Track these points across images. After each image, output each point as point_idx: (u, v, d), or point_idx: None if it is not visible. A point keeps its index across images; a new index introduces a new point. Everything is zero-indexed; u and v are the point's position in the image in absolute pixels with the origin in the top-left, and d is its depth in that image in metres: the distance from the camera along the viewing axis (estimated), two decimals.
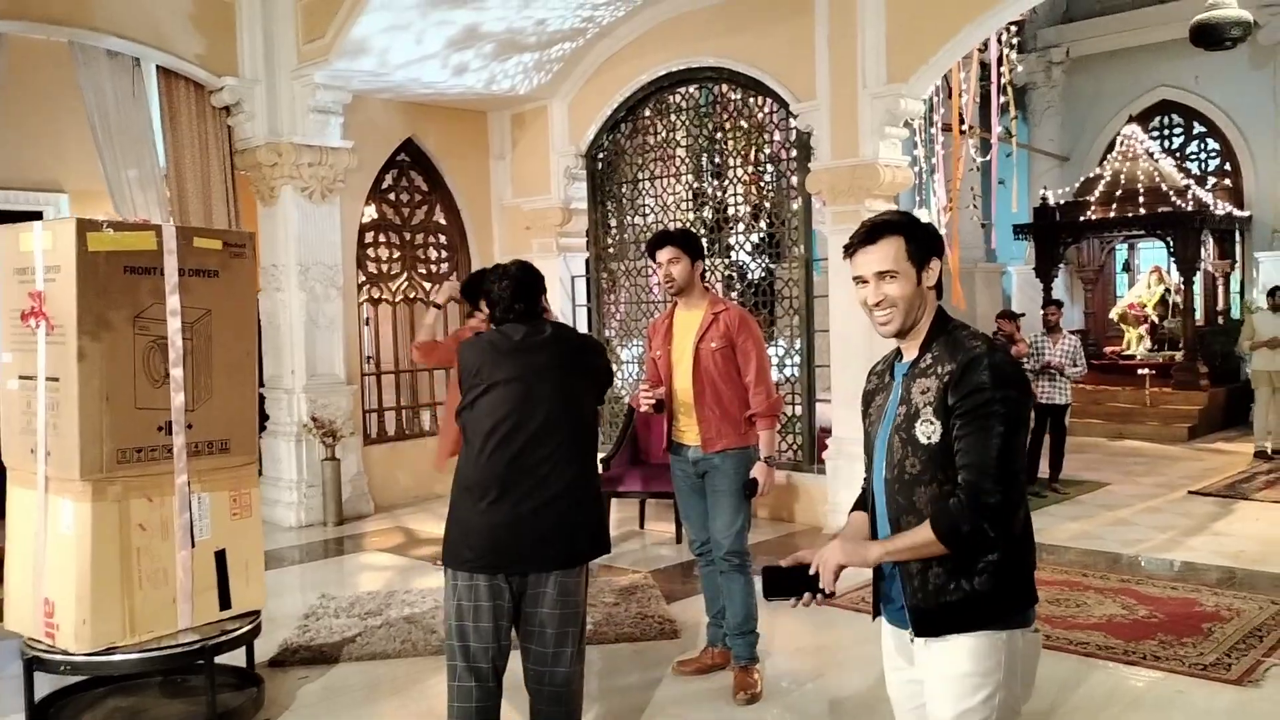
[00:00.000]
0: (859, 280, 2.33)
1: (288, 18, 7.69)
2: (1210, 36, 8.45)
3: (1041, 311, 9.33)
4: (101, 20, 7.00)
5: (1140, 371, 13.05)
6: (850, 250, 2.34)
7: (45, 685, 4.12)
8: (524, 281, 3.33)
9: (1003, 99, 8.37)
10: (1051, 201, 14.14)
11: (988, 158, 8.74)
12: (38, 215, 8.41)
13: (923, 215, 8.78)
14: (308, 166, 7.80)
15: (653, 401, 4.35)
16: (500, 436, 3.09)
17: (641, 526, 7.64)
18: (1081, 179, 14.17)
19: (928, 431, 2.21)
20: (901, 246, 2.28)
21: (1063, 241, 14.34)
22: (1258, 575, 6.20)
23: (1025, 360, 8.78)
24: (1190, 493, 8.87)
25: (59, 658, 3.79)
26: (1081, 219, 13.71)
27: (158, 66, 7.51)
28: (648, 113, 8.72)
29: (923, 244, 2.30)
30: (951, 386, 2.18)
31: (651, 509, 7.68)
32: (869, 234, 2.31)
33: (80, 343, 3.72)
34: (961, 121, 8.72)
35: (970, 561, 2.19)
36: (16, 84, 7.31)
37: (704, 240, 8.37)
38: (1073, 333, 14.54)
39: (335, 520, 7.92)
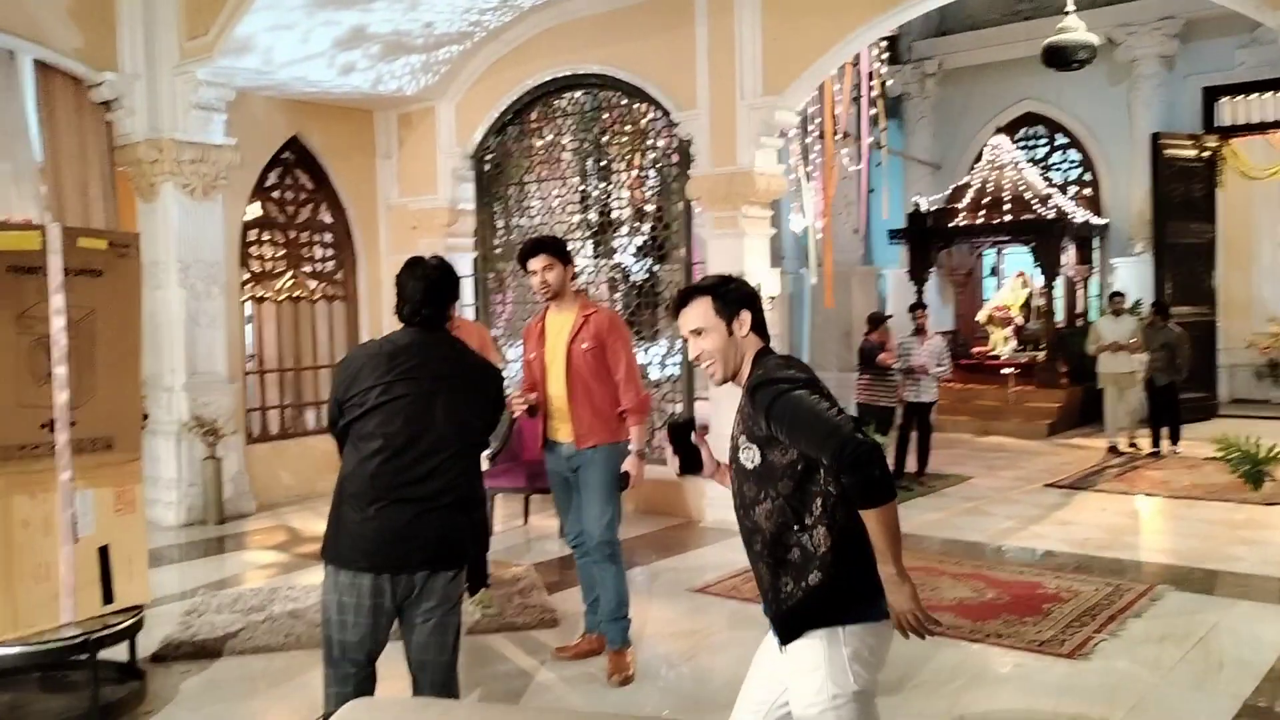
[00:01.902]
0: (685, 338, 2.69)
1: (170, 13, 7.62)
2: (1059, 58, 9.05)
3: (910, 314, 9.82)
4: None
5: (1004, 371, 13.75)
6: (673, 314, 2.69)
7: None
8: (439, 285, 3.38)
9: (873, 110, 8.80)
10: (924, 208, 14.79)
11: (860, 166, 9.17)
12: None
13: (799, 222, 9.17)
14: (189, 164, 7.75)
15: (525, 407, 4.56)
16: (393, 450, 3.18)
17: (525, 521, 7.84)
18: (952, 187, 14.85)
19: (749, 457, 2.52)
20: (709, 305, 2.62)
21: (934, 246, 15.01)
22: (1099, 560, 6.73)
23: (893, 363, 9.25)
24: (1046, 485, 9.46)
25: None
26: (951, 225, 14.38)
27: (34, 60, 7.36)
28: (534, 116, 8.91)
29: (729, 300, 2.62)
30: (751, 416, 2.50)
31: (535, 504, 7.87)
32: (681, 299, 2.68)
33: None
34: (835, 132, 9.14)
35: (805, 566, 2.45)
36: None
37: (589, 242, 8.64)
38: (942, 334, 15.27)
39: (217, 519, 7.89)
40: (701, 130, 7.62)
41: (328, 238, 9.57)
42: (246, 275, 8.84)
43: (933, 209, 14.73)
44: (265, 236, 9.09)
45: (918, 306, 9.92)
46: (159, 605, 5.62)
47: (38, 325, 3.95)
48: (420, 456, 3.21)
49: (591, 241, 8.73)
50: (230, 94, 7.92)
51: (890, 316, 9.91)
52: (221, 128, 7.95)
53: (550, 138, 8.87)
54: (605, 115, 8.57)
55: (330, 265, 9.57)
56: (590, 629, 4.90)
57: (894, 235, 15.09)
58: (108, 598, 4.16)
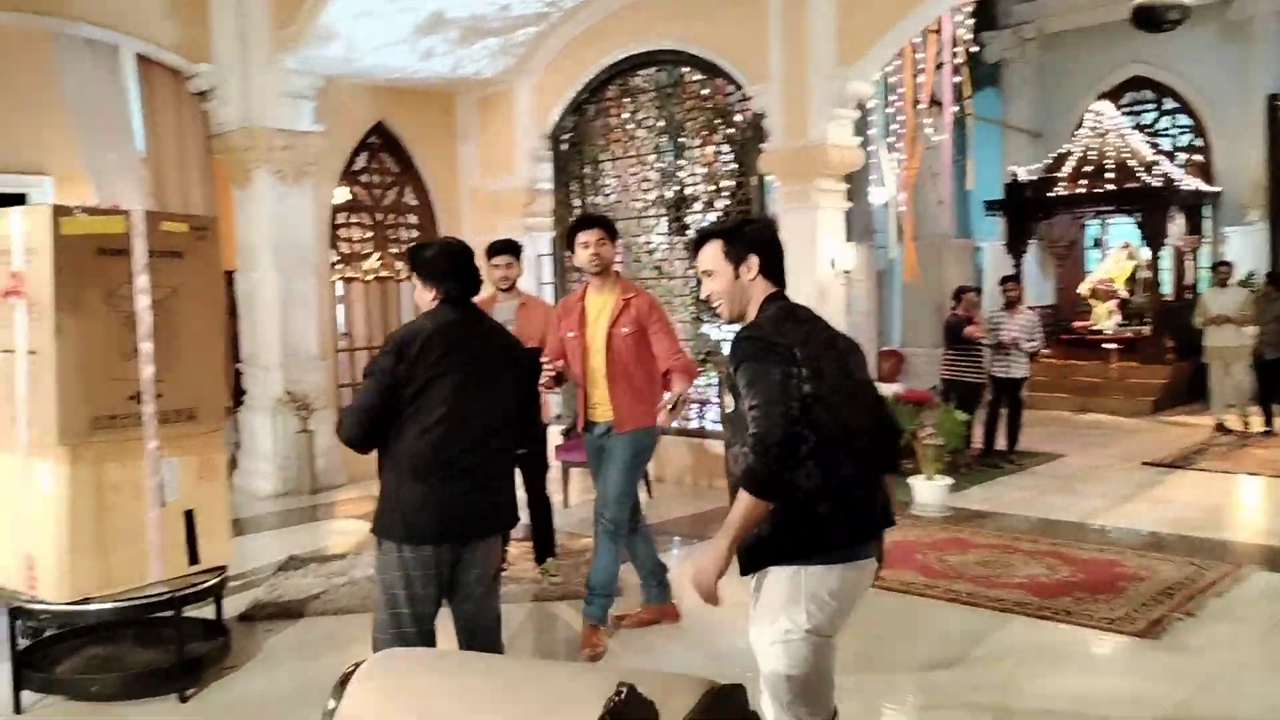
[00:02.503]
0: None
1: (260, 5, 7.94)
2: (1149, 19, 8.71)
3: (1000, 287, 9.62)
4: (79, 9, 7.25)
5: (1107, 346, 13.36)
6: (691, 256, 2.86)
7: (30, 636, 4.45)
8: (472, 264, 3.52)
9: (958, 79, 8.63)
10: (1022, 178, 14.42)
11: (944, 136, 9.01)
12: (22, 198, 8.69)
13: (880, 194, 9.06)
14: (281, 150, 8.08)
15: (553, 374, 4.60)
16: (451, 422, 3.31)
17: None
18: (1052, 155, 14.43)
19: (727, 402, 2.65)
20: (719, 248, 2.75)
21: (1034, 217, 14.63)
22: (1187, 540, 6.51)
23: (982, 337, 9.10)
24: (1144, 464, 9.18)
25: (40, 607, 4.12)
26: (1051, 195, 14.00)
27: (136, 54, 7.75)
28: (610, 95, 9.00)
29: (739, 244, 2.74)
30: (730, 362, 2.62)
31: None
32: (696, 241, 2.83)
33: (57, 319, 4.01)
34: (918, 101, 8.99)
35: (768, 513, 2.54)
36: (1, 72, 7.57)
37: (663, 219, 8.71)
38: (1041, 308, 14.91)
39: (310, 489, 8.25)
40: (774, 103, 7.60)
41: (412, 219, 9.86)
42: (336, 257, 9.19)
43: (1032, 179, 14.36)
44: (353, 219, 9.42)
45: (1008, 279, 9.71)
46: (251, 569, 5.96)
47: (125, 304, 4.21)
48: (473, 429, 3.36)
49: (666, 218, 8.80)
50: (318, 82, 8.22)
51: (978, 290, 9.74)
52: (310, 115, 8.26)
53: (625, 115, 8.96)
54: (679, 91, 8.61)
55: None
56: (648, 600, 5.00)
57: (990, 206, 14.76)
58: (193, 558, 4.42)
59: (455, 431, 3.32)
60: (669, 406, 4.33)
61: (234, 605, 5.16)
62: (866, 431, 2.67)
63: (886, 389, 8.88)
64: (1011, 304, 9.35)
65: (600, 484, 4.75)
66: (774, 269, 2.75)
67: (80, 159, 7.75)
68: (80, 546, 4.07)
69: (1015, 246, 14.59)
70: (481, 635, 3.53)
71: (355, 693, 2.24)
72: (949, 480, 7.60)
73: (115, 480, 4.19)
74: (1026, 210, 14.34)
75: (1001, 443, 9.44)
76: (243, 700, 4.28)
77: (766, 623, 2.62)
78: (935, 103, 9.42)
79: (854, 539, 2.62)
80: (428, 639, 3.43)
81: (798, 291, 7.17)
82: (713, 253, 2.75)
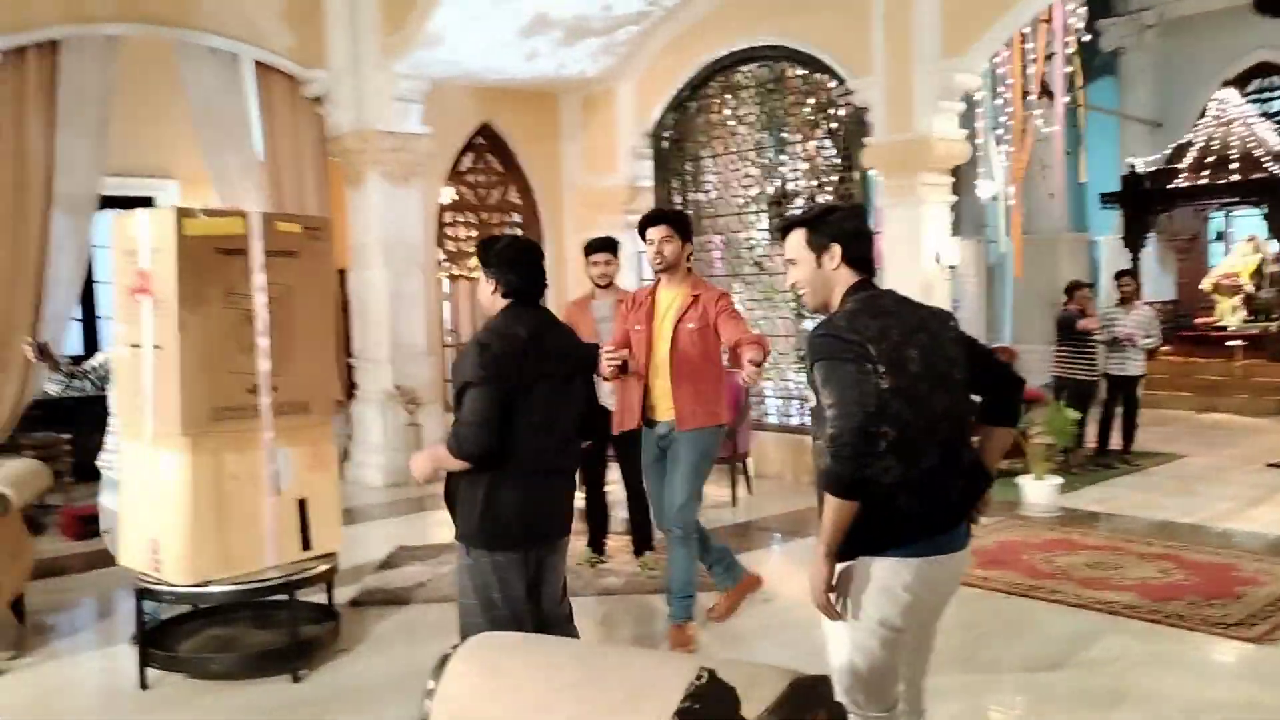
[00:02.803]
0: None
1: (371, 12, 8.21)
2: (1272, 3, 8.30)
3: (1115, 282, 9.33)
4: (202, 20, 7.60)
5: (1231, 343, 12.82)
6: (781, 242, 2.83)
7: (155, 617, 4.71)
8: (541, 263, 3.48)
9: (1069, 68, 8.39)
10: (1140, 169, 13.92)
11: (1055, 128, 8.77)
12: (150, 200, 9.15)
13: (987, 188, 8.88)
14: (390, 152, 8.33)
15: (618, 363, 4.58)
16: (547, 425, 3.34)
17: None
18: (1172, 145, 13.91)
19: (811, 395, 2.65)
20: (802, 237, 2.72)
21: (1152, 210, 14.11)
22: None
23: (1095, 330, 8.84)
24: (1268, 465, 8.80)
25: (165, 589, 4.35)
26: (1171, 186, 13.48)
27: (255, 61, 8.08)
28: (711, 92, 9.02)
29: (821, 233, 2.70)
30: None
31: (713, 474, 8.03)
32: (781, 229, 2.83)
33: (180, 315, 4.22)
34: (1028, 92, 8.78)
35: None
36: (130, 81, 7.96)
37: (764, 215, 8.68)
38: (1161, 303, 14.38)
39: (420, 480, 8.45)
40: (877, 97, 7.52)
41: (516, 218, 10.06)
42: (442, 255, 9.42)
43: (1151, 170, 13.85)
44: (459, 218, 9.65)
45: (1123, 274, 9.41)
46: (361, 557, 6.17)
47: (243, 301, 4.40)
48: (559, 432, 3.39)
49: (767, 214, 8.77)
50: (426, 85, 8.44)
51: (1091, 285, 9.46)
52: (419, 117, 8.49)
53: (726, 112, 8.96)
54: (781, 86, 8.57)
55: None
56: (722, 585, 4.98)
57: (1106, 199, 14.29)
58: (305, 544, 4.60)
59: (548, 435, 3.34)
60: (755, 363, 4.22)
61: (344, 591, 5.36)
62: (952, 418, 2.63)
63: None
64: (1127, 299, 9.06)
65: (666, 489, 4.64)
66: (859, 258, 2.70)
67: (203, 163, 8.11)
68: (201, 532, 4.28)
69: (1133, 240, 14.09)
70: (557, 628, 3.57)
71: (453, 674, 2.33)
72: (1059, 480, 7.41)
73: (233, 469, 4.39)
74: (1145, 203, 13.83)
75: (1117, 442, 9.16)
76: (352, 681, 4.45)
77: (843, 611, 2.62)
78: (1046, 93, 9.18)
79: (934, 530, 2.59)
80: None
81: (900, 287, 7.12)
82: (796, 241, 2.73)
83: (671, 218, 4.67)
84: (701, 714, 1.55)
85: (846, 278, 2.69)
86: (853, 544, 2.55)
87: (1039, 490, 7.29)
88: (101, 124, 7.28)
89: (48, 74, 6.98)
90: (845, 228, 2.71)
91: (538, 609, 3.50)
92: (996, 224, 11.10)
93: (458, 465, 3.26)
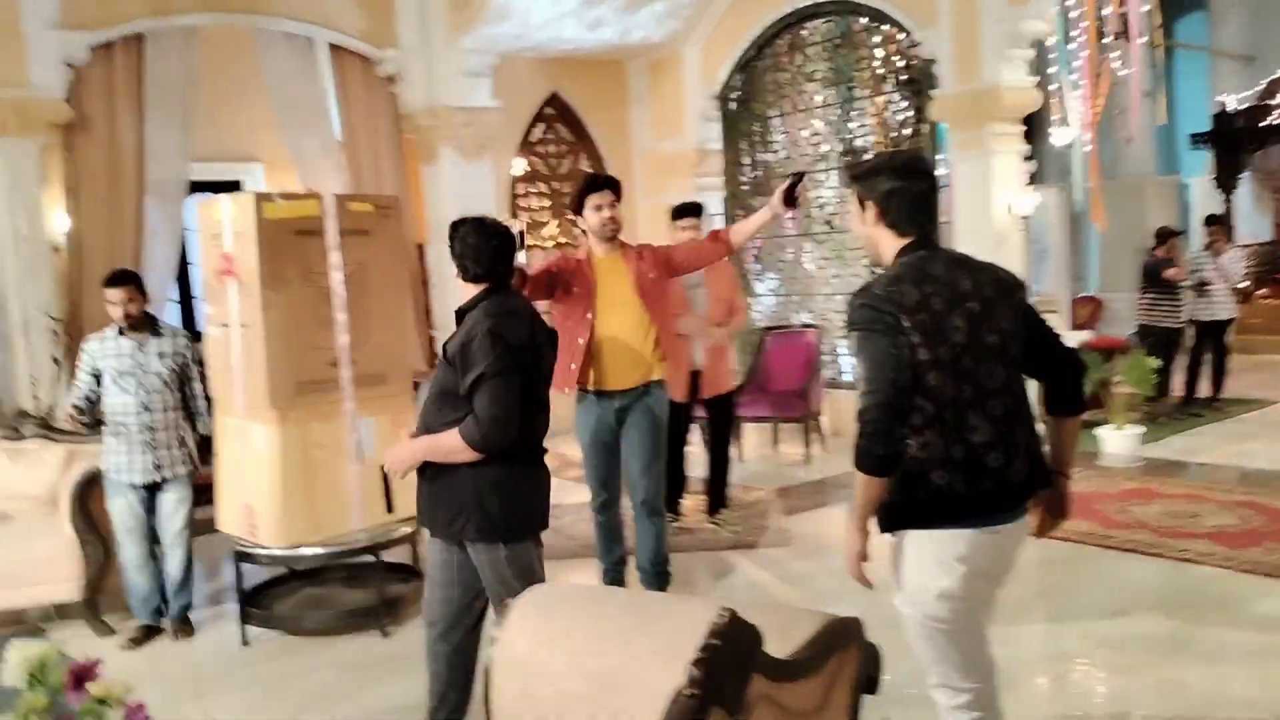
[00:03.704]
0: None
1: None
2: None
3: (1205, 228, 9.09)
4: (276, 6, 7.84)
5: None
6: None
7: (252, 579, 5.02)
8: (510, 243, 3.37)
9: (1146, 7, 8.13)
10: (1231, 108, 13.41)
11: (1132, 69, 8.52)
12: (237, 184, 9.51)
13: (1063, 135, 8.69)
14: (462, 127, 8.50)
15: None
16: (541, 410, 3.29)
17: (775, 448, 8.12)
18: (1267, 81, 13.35)
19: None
20: (854, 190, 2.67)
21: (1247, 149, 13.61)
22: None
23: (1183, 279, 8.67)
24: None
25: (261, 552, 4.64)
26: (1265, 124, 12.97)
27: (329, 44, 8.31)
28: (777, 51, 8.99)
29: (860, 190, 2.63)
30: None
31: (785, 432, 8.13)
32: (847, 179, 2.74)
33: (264, 294, 4.46)
34: (1103, 34, 8.54)
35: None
36: (213, 69, 8.26)
37: (833, 172, 8.66)
38: (1259, 245, 13.88)
39: None
40: (944, 47, 7.42)
41: None
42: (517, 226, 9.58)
43: (1243, 108, 13.33)
44: (531, 189, 9.80)
45: (1212, 220, 9.16)
46: None
47: (320, 279, 4.62)
48: (546, 412, 3.36)
49: (835, 172, 8.74)
50: (494, 59, 8.57)
51: (1181, 232, 9.24)
52: (488, 91, 8.63)
53: (793, 70, 8.93)
54: (847, 41, 8.51)
55: None
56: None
57: (1196, 140, 13.81)
58: (389, 508, 4.84)
59: (542, 417, 3.32)
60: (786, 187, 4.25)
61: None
62: (1010, 394, 2.53)
63: (1078, 336, 8.61)
64: (1215, 247, 8.84)
65: (633, 461, 4.58)
66: (902, 218, 2.57)
67: (285, 145, 8.39)
68: (291, 498, 4.53)
69: (1225, 181, 13.63)
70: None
71: (513, 622, 2.51)
72: (1140, 429, 7.32)
73: (319, 438, 4.63)
74: (1237, 142, 13.35)
75: (1206, 389, 8.98)
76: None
77: (901, 583, 2.59)
78: (1124, 34, 8.92)
79: (988, 509, 2.50)
80: None
81: (973, 239, 7.09)
82: (850, 193, 2.69)
83: (615, 182, 4.58)
84: (723, 651, 1.68)
85: (890, 239, 2.60)
86: (898, 516, 2.53)
87: (1119, 440, 7.22)
88: (186, 112, 7.57)
89: (134, 66, 7.28)
90: (880, 188, 2.59)
91: None
92: (1075, 172, 10.84)
93: (469, 457, 3.14)
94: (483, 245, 3.29)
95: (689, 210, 6.00)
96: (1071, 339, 8.31)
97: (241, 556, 4.72)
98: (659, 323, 4.55)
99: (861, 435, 2.45)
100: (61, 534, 4.90)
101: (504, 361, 3.11)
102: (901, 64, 8.15)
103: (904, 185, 2.59)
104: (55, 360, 6.74)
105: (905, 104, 8.18)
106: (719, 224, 9.67)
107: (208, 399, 4.93)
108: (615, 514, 4.77)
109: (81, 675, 1.73)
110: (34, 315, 6.78)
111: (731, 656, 1.69)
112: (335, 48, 8.30)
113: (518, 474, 3.23)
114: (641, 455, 4.58)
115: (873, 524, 2.56)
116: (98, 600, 4.95)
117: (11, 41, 6.68)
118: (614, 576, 4.82)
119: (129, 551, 4.81)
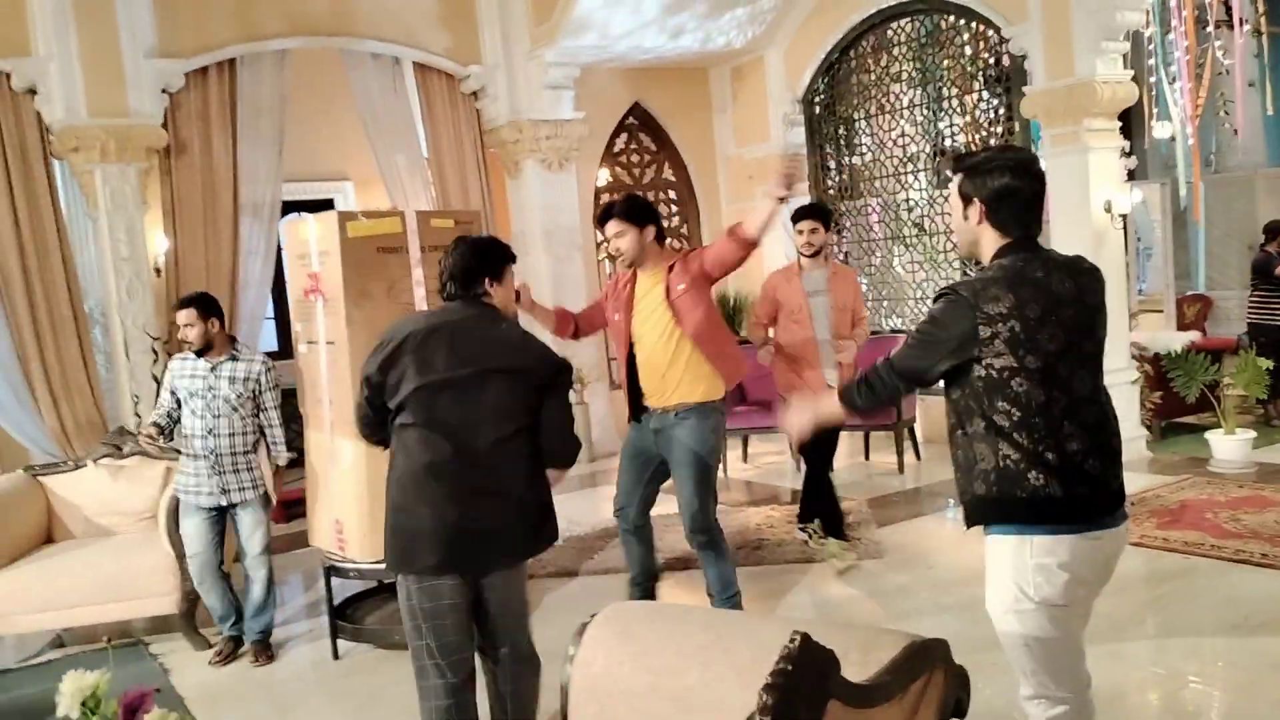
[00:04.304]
0: None
1: (520, 6, 8.44)
2: None
3: None
4: (363, 28, 8.01)
5: None
6: None
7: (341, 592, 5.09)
8: (481, 253, 3.30)
9: None
10: None
11: (1234, 60, 8.15)
12: (330, 203, 9.73)
13: (1163, 129, 8.35)
14: (545, 139, 8.57)
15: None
16: (443, 433, 3.07)
17: (867, 458, 7.96)
18: None
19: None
20: (958, 184, 2.57)
21: None
22: None
23: None
24: None
25: (349, 566, 4.69)
26: None
27: (413, 63, 8.45)
28: (861, 52, 8.84)
29: (969, 186, 2.52)
30: None
31: (875, 441, 7.96)
32: (952, 167, 2.66)
33: (348, 311, 4.52)
34: (1204, 23, 8.19)
35: (970, 471, 2.48)
36: (303, 90, 8.47)
37: (922, 174, 8.46)
38: None
39: (588, 458, 8.75)
40: (1035, 43, 7.19)
41: (672, 195, 10.13)
42: (600, 237, 9.59)
43: None
44: (616, 198, 9.77)
45: None
46: None
47: (404, 295, 4.65)
48: (472, 444, 3.17)
49: (926, 173, 8.56)
50: (575, 71, 8.62)
51: None
52: (570, 103, 8.68)
53: (879, 71, 8.77)
54: (934, 40, 8.32)
55: (676, 220, 10.13)
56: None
57: None
58: None
59: (452, 445, 3.18)
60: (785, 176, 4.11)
61: None
62: (1099, 402, 2.48)
63: (1185, 336, 8.25)
64: None
65: (678, 492, 4.42)
66: (1009, 218, 2.48)
67: (374, 163, 8.55)
68: (378, 512, 4.56)
69: None
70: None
71: (590, 640, 2.47)
72: (1251, 434, 6.98)
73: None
74: None
75: None
76: None
77: (998, 590, 2.51)
78: (1226, 23, 8.56)
79: (1090, 515, 2.44)
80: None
81: (1070, 240, 6.85)
82: (954, 186, 2.59)
83: (620, 209, 4.45)
84: (795, 676, 1.61)
85: (993, 236, 2.51)
86: (992, 511, 2.47)
87: (1229, 445, 6.90)
88: (278, 133, 7.77)
89: (228, 90, 7.52)
90: (992, 185, 2.47)
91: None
92: (1180, 166, 10.41)
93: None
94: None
95: (809, 212, 5.72)
96: (1178, 339, 8.02)
97: (332, 571, 4.78)
98: (697, 336, 4.33)
99: (862, 386, 2.65)
100: (160, 549, 5.03)
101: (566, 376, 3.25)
102: (991, 61, 7.95)
103: (1018, 185, 2.48)
104: (156, 379, 6.95)
105: (996, 102, 7.97)
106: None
107: (288, 425, 4.97)
108: (635, 527, 4.66)
109: (134, 705, 1.73)
110: (135, 335, 7.02)
111: (804, 681, 1.62)
112: (420, 66, 8.45)
113: (389, 503, 3.20)
114: (679, 488, 4.43)
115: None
116: (195, 614, 5.06)
117: (110, 70, 6.94)
118: (639, 594, 4.70)
119: (195, 572, 4.84)
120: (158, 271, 7.44)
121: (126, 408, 7.00)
